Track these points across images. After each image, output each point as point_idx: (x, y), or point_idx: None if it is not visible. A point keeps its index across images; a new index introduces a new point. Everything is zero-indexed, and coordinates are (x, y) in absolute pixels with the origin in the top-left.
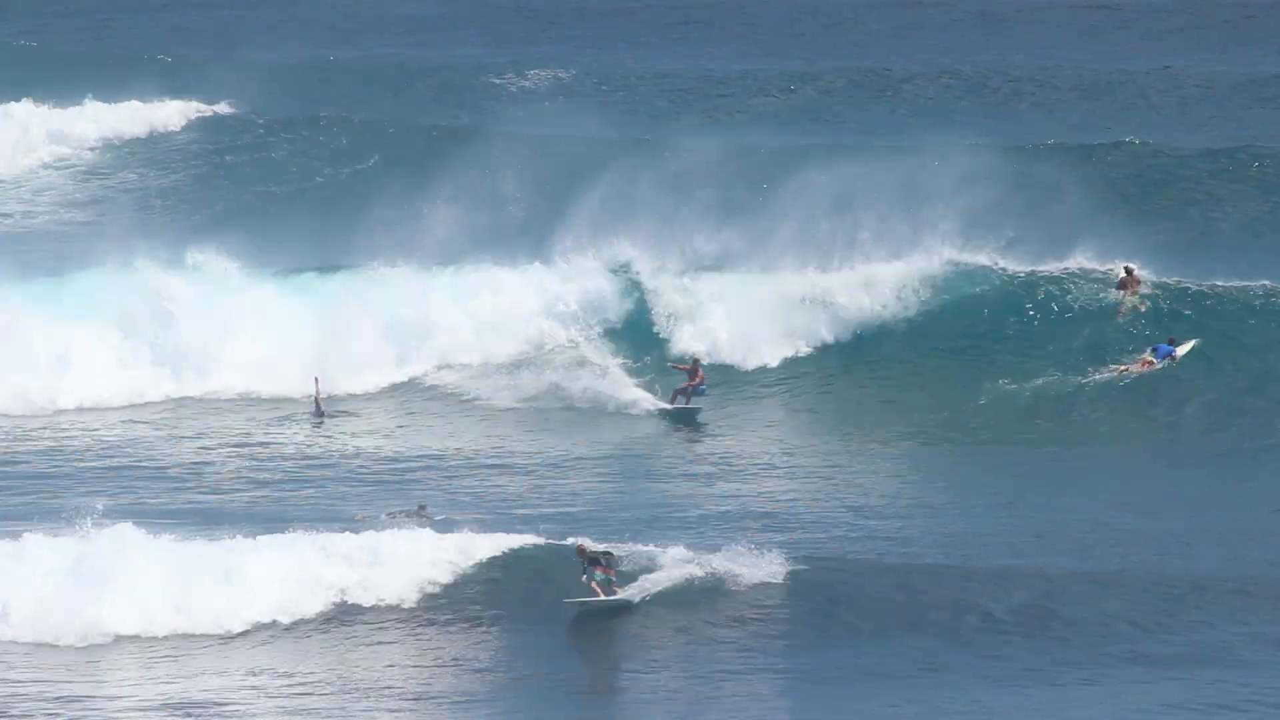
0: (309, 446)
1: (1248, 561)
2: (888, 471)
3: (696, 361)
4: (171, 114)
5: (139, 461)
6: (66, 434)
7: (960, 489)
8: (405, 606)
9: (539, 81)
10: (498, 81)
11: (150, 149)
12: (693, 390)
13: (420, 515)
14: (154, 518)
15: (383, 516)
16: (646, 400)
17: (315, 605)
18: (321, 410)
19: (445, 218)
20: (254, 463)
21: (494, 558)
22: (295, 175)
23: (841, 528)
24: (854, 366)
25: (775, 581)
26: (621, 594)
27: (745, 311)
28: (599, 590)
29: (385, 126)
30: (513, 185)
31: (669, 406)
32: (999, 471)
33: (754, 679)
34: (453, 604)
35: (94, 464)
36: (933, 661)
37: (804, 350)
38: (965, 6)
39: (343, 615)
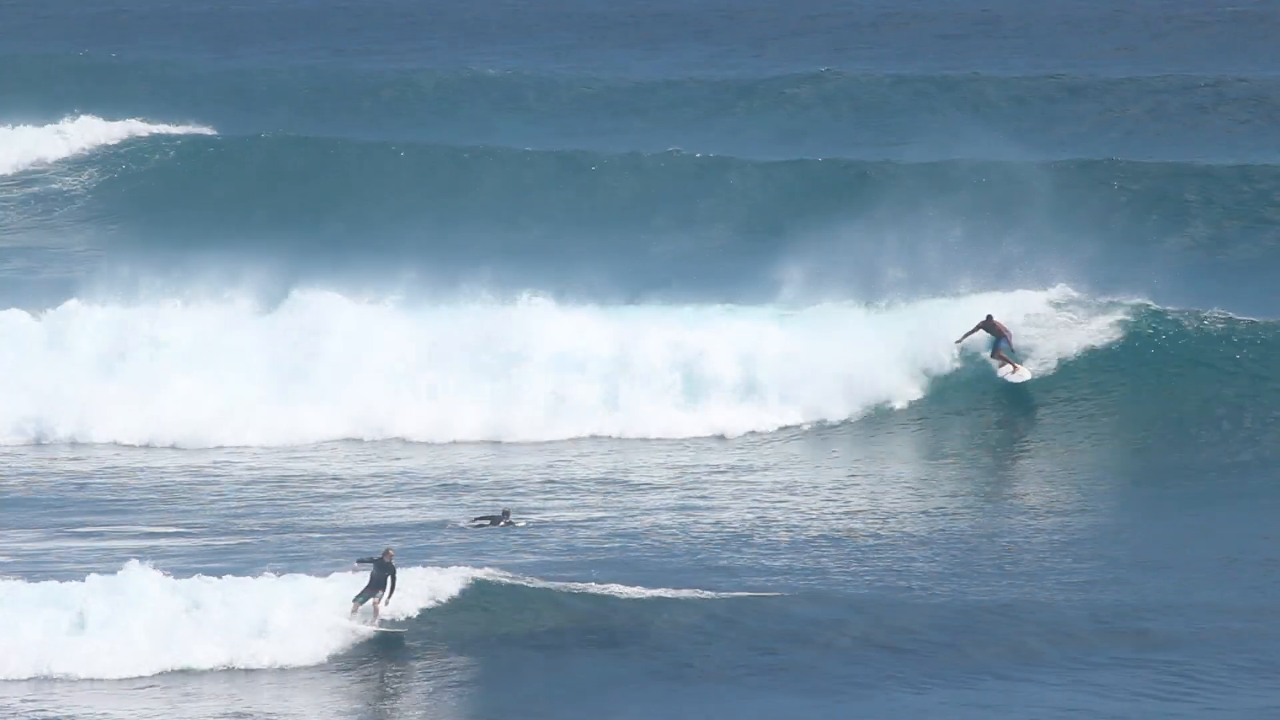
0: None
1: None
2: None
3: (990, 316)
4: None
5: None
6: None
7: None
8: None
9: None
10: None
11: None
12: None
13: (505, 521)
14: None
15: (462, 523)
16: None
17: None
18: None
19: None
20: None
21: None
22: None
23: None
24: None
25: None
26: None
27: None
28: (377, 609)
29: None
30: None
31: (1009, 376)
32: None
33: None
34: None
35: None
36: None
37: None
38: None
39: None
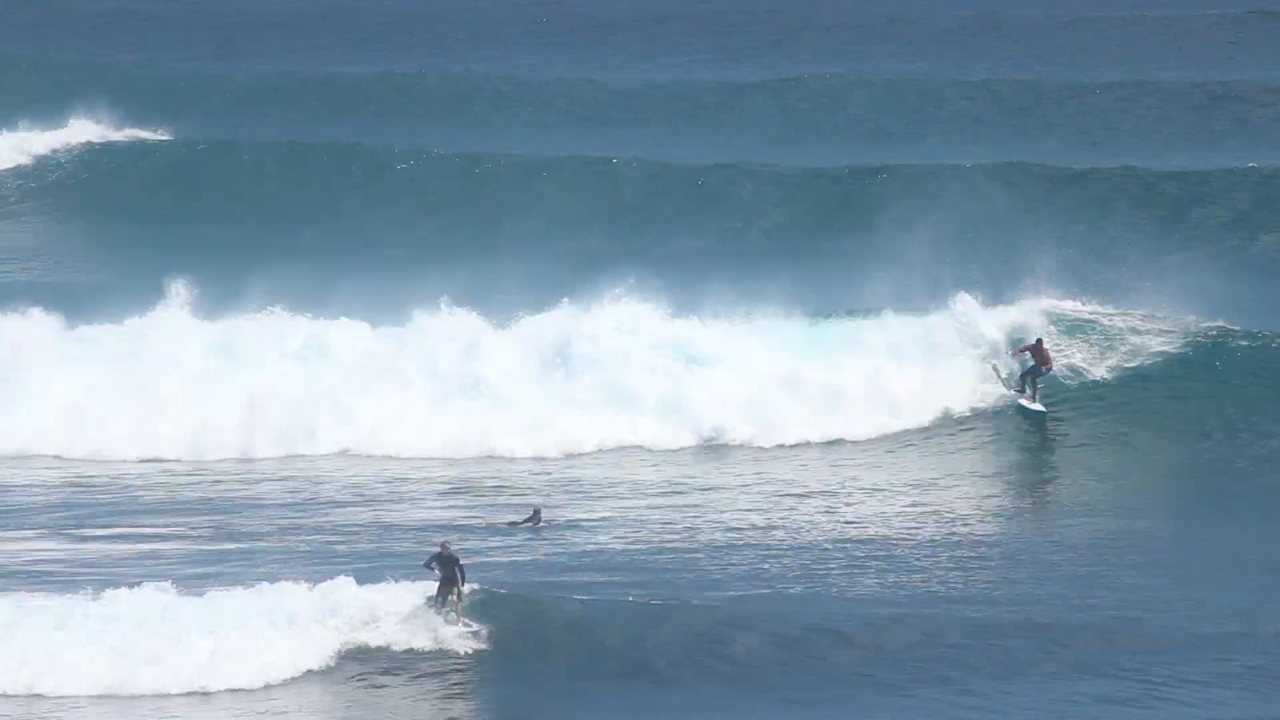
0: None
1: None
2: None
3: (1040, 341)
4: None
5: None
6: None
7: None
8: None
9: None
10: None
11: None
12: (1043, 374)
13: (535, 521)
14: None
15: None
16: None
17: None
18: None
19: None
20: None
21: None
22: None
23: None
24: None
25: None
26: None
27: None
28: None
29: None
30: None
31: (1027, 403)
32: None
33: None
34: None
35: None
36: None
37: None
38: None
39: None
